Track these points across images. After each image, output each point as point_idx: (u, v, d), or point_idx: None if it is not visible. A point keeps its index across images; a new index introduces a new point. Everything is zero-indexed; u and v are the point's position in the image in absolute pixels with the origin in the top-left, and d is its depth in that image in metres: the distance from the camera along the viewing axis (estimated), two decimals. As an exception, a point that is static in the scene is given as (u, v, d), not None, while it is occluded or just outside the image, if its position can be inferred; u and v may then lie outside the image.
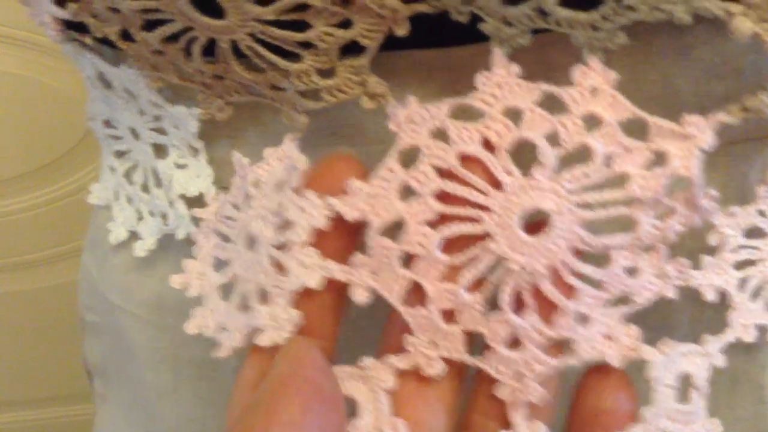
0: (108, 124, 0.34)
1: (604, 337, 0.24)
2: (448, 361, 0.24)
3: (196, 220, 0.30)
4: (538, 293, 0.23)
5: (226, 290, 0.27)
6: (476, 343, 0.25)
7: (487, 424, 0.24)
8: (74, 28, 0.29)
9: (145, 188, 0.33)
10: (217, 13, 0.24)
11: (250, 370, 0.24)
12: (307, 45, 0.24)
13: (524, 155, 0.23)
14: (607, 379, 0.24)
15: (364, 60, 0.24)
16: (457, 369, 0.24)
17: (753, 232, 0.28)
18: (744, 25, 0.22)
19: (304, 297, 0.24)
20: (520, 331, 0.23)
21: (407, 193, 0.24)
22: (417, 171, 0.23)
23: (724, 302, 0.27)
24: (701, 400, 0.26)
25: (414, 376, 0.24)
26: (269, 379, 0.22)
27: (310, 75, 0.25)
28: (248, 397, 0.23)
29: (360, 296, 0.24)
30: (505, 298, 0.23)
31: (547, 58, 0.25)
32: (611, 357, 0.24)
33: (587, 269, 0.23)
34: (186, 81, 0.28)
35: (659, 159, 0.23)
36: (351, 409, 0.25)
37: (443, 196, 0.23)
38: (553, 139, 0.23)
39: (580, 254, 0.23)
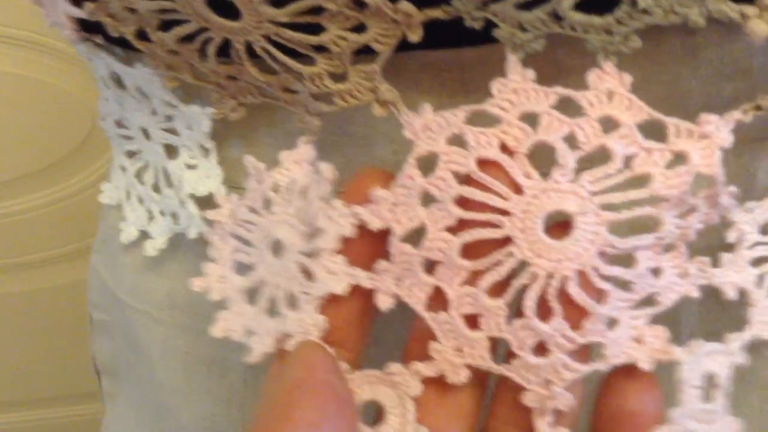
0: (119, 124, 0.34)
1: (633, 340, 0.24)
2: (471, 368, 0.24)
3: (207, 220, 0.30)
4: (564, 298, 0.23)
5: (250, 294, 0.28)
6: (497, 349, 0.25)
7: (508, 431, 0.24)
8: (87, 28, 0.29)
9: (156, 188, 0.33)
10: (232, 14, 0.24)
11: (276, 375, 0.25)
12: (320, 48, 0.24)
13: (541, 160, 0.23)
14: (632, 380, 0.23)
15: (376, 66, 0.25)
16: (479, 376, 0.24)
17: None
18: (759, 27, 0.22)
19: (331, 304, 0.25)
20: (546, 338, 0.23)
21: (429, 199, 0.24)
22: (436, 177, 0.24)
23: (723, 297, 0.27)
24: (723, 399, 0.26)
25: (436, 382, 0.24)
26: (284, 382, 0.22)
27: (323, 78, 0.25)
28: (267, 398, 0.23)
29: (384, 303, 0.24)
30: (530, 304, 0.23)
31: (557, 60, 0.25)
32: (642, 361, 0.24)
33: (616, 271, 0.23)
34: (201, 81, 0.28)
35: (679, 159, 0.23)
36: (371, 412, 0.25)
37: (463, 202, 0.23)
38: (571, 141, 0.23)
39: (605, 257, 0.23)
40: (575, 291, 0.23)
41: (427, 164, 0.24)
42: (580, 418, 0.24)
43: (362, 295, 0.25)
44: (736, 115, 0.23)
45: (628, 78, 0.23)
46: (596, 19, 0.22)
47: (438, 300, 0.24)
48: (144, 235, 0.35)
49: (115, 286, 0.38)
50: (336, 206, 0.25)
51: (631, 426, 0.23)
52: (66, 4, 0.28)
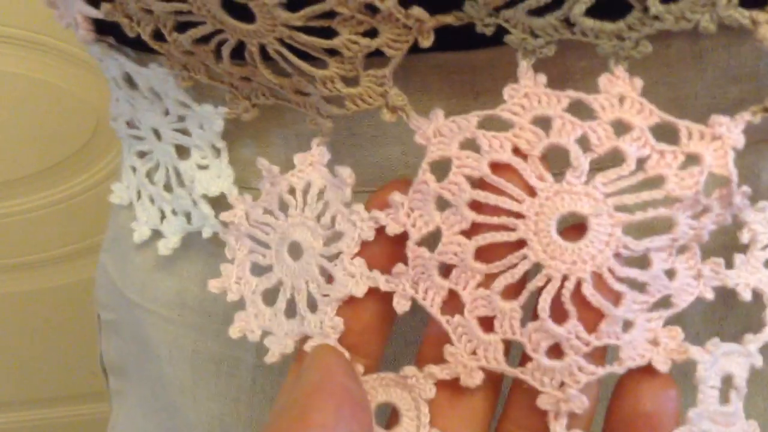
0: (130, 124, 0.34)
1: (648, 341, 0.24)
2: (485, 371, 0.24)
3: (221, 220, 0.30)
4: (579, 300, 0.23)
5: (266, 295, 0.28)
6: (510, 352, 0.25)
7: None
8: (100, 29, 0.30)
9: (168, 188, 0.34)
10: (247, 17, 0.24)
11: (296, 376, 0.25)
12: (332, 52, 0.25)
13: (554, 162, 0.24)
14: (647, 381, 0.23)
15: (386, 70, 0.25)
16: (492, 379, 0.25)
17: None
18: None
19: (349, 306, 0.25)
20: (561, 340, 0.23)
21: (444, 203, 0.24)
22: (450, 182, 0.24)
23: (727, 298, 0.27)
24: (740, 401, 0.25)
25: (449, 385, 0.25)
26: (301, 384, 0.23)
27: (335, 82, 0.25)
28: (284, 401, 0.23)
29: (401, 306, 0.25)
30: (545, 306, 0.23)
31: (565, 63, 0.26)
32: (658, 362, 0.24)
33: (632, 273, 0.23)
34: (215, 81, 0.28)
35: (691, 161, 0.23)
36: (385, 414, 0.25)
37: (477, 205, 0.24)
38: (584, 144, 0.23)
39: (620, 258, 0.23)
40: (590, 293, 0.23)
41: (441, 168, 0.24)
42: (595, 419, 0.25)
43: (380, 299, 0.25)
44: (746, 116, 0.23)
45: (639, 82, 0.23)
46: (608, 25, 0.23)
47: (453, 303, 0.24)
48: (156, 235, 0.35)
49: (124, 286, 0.38)
50: (357, 210, 0.25)
51: (646, 428, 0.23)
52: (82, 5, 0.28)
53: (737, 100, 0.27)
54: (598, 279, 0.23)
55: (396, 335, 0.28)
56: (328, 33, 0.24)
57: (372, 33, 0.24)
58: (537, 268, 0.23)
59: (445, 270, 0.24)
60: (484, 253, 0.24)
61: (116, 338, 0.42)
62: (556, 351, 0.24)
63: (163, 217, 0.34)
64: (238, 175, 0.31)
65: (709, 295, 0.24)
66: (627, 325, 0.24)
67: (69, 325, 1.04)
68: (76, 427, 1.13)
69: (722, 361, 0.25)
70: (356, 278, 0.25)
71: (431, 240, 0.24)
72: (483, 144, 0.23)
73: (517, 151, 0.23)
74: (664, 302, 0.24)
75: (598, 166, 0.23)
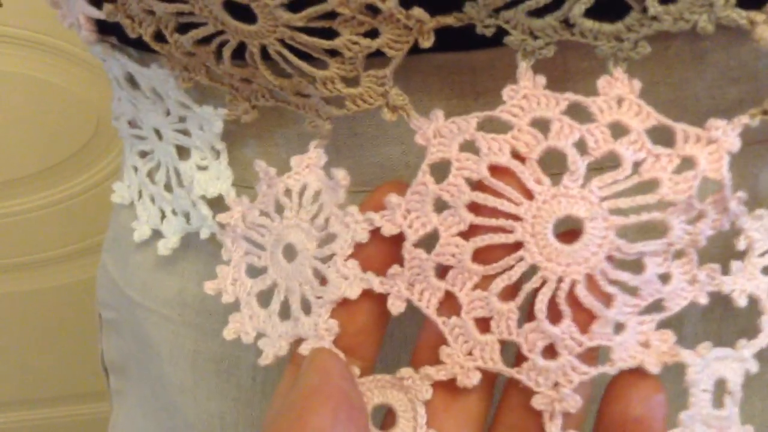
0: (132, 124, 0.35)
1: (640, 344, 0.24)
2: (481, 371, 0.24)
3: (218, 222, 0.30)
4: (573, 301, 0.23)
5: (261, 297, 0.28)
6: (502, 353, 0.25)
7: None
8: (103, 29, 0.30)
9: (168, 188, 0.34)
10: (248, 17, 0.24)
11: (290, 380, 0.25)
12: (333, 53, 0.25)
13: (551, 162, 0.24)
14: (636, 386, 0.23)
15: (387, 71, 0.25)
16: (486, 381, 0.25)
17: None
18: (767, 33, 0.22)
19: (344, 308, 0.25)
20: (556, 340, 0.23)
21: (441, 205, 0.24)
22: (449, 184, 0.24)
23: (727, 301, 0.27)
24: (735, 406, 0.26)
25: (444, 387, 0.25)
26: (299, 387, 0.23)
27: (335, 82, 0.25)
28: (280, 404, 0.23)
29: (396, 307, 0.25)
30: (541, 307, 0.23)
31: (566, 63, 0.26)
32: (649, 364, 0.24)
33: (624, 276, 0.23)
34: (215, 82, 0.28)
35: (687, 165, 0.23)
36: (380, 416, 0.26)
37: (475, 207, 0.24)
38: (581, 147, 0.23)
39: (613, 261, 0.23)
40: (583, 294, 0.23)
41: (441, 170, 0.24)
42: (586, 421, 0.25)
43: (375, 301, 0.25)
44: (743, 119, 0.24)
45: (637, 84, 0.23)
46: (607, 26, 0.23)
47: (449, 304, 0.24)
48: (156, 235, 0.35)
49: (125, 285, 0.38)
50: (350, 212, 0.25)
51: None
52: (85, 5, 0.28)
53: (737, 100, 0.27)
54: (590, 281, 0.23)
55: (394, 337, 0.28)
56: (329, 34, 0.24)
57: (373, 33, 0.24)
58: (532, 269, 0.24)
59: (441, 271, 0.24)
60: (480, 255, 0.24)
61: (117, 337, 0.42)
62: (550, 351, 0.24)
63: (163, 216, 0.35)
64: (239, 175, 0.31)
65: (704, 300, 0.25)
66: (619, 327, 0.24)
67: (70, 325, 1.04)
68: (76, 427, 1.13)
69: (714, 365, 0.25)
70: (350, 280, 0.25)
71: (426, 242, 0.25)
72: (482, 146, 0.24)
73: (515, 153, 0.23)
74: (657, 306, 0.24)
75: (597, 167, 0.24)
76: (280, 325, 0.27)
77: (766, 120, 0.24)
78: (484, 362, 0.24)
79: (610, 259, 0.23)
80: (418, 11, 0.23)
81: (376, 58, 0.25)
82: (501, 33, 0.24)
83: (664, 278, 0.24)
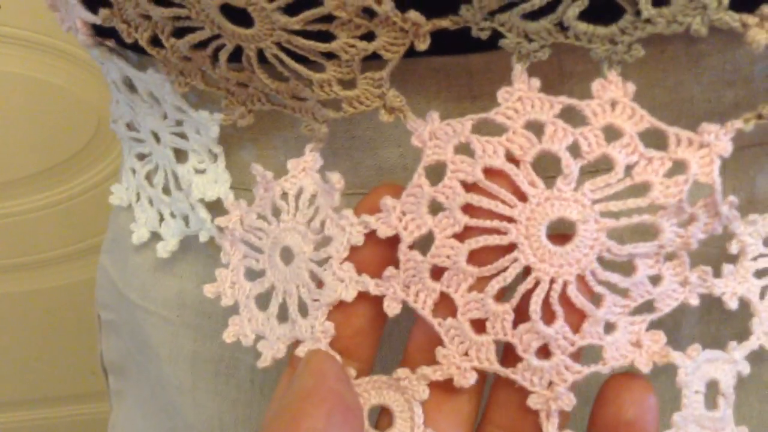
0: (131, 126, 0.35)
1: (631, 344, 0.24)
2: (476, 371, 0.25)
3: (215, 225, 0.30)
4: (565, 302, 0.24)
5: (259, 300, 0.28)
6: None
7: None
8: (101, 33, 0.30)
9: (167, 190, 0.34)
10: (245, 21, 0.24)
11: (288, 381, 0.25)
12: (330, 56, 0.25)
13: (545, 164, 0.24)
14: (628, 390, 0.24)
15: (384, 73, 0.25)
16: (477, 382, 0.25)
17: None
18: (760, 36, 0.22)
19: (340, 311, 0.25)
20: (550, 341, 0.24)
21: (436, 207, 0.24)
22: (444, 186, 0.24)
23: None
24: (728, 408, 0.26)
25: (436, 387, 0.25)
26: (294, 389, 0.23)
27: (332, 85, 0.26)
28: (276, 406, 0.23)
29: (392, 309, 0.25)
30: (536, 308, 0.24)
31: (561, 67, 0.26)
32: (640, 363, 0.24)
33: (614, 278, 0.24)
34: (211, 87, 0.28)
35: (678, 168, 0.23)
36: (374, 416, 0.26)
37: (470, 209, 0.24)
38: (575, 150, 0.23)
39: (604, 262, 0.24)
40: (574, 294, 0.23)
41: (436, 172, 0.24)
42: (580, 424, 0.25)
43: (371, 303, 0.25)
44: (737, 124, 0.24)
45: (631, 87, 0.23)
46: (601, 29, 0.23)
47: (444, 305, 0.25)
48: (155, 236, 0.35)
49: (125, 286, 0.39)
50: (345, 215, 0.25)
51: None
52: (81, 10, 0.28)
53: (732, 104, 0.27)
54: (581, 281, 0.24)
55: (393, 338, 0.28)
56: (326, 37, 0.24)
57: (369, 36, 0.24)
58: (527, 271, 0.24)
59: (436, 273, 0.25)
60: (475, 257, 0.24)
61: (116, 338, 0.42)
62: (543, 351, 0.24)
63: (161, 219, 0.35)
64: (237, 177, 0.31)
65: (694, 302, 0.25)
66: (610, 327, 0.24)
67: (69, 326, 1.04)
68: (76, 427, 1.13)
69: (705, 366, 0.26)
70: (345, 283, 0.25)
71: (421, 244, 0.25)
72: (477, 149, 0.24)
73: (510, 156, 0.24)
74: (649, 306, 0.25)
75: (591, 170, 0.24)
76: (278, 328, 0.27)
77: (760, 124, 0.24)
78: (480, 362, 0.24)
79: (600, 260, 0.24)
80: (414, 14, 0.23)
81: (373, 61, 0.25)
82: (496, 36, 0.24)
83: (655, 280, 0.24)
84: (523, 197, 0.23)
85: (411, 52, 0.24)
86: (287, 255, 0.27)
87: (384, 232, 0.25)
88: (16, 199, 0.96)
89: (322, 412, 0.22)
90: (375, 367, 0.26)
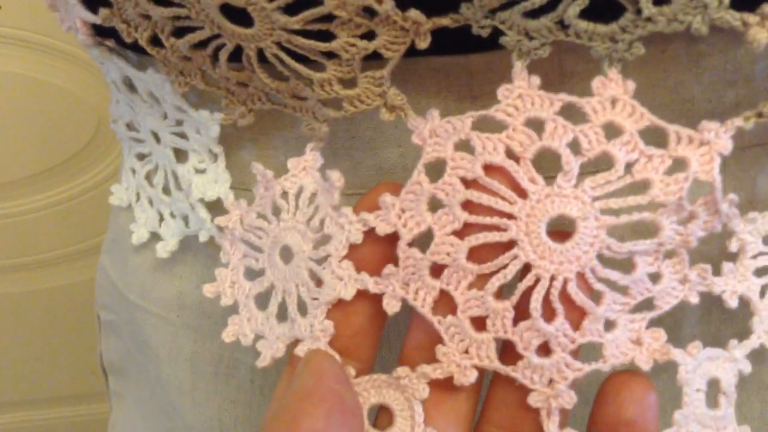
0: (130, 126, 0.35)
1: (631, 341, 0.24)
2: (476, 369, 0.25)
3: (215, 224, 0.30)
4: (565, 299, 0.23)
5: (259, 299, 0.28)
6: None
7: None
8: (101, 32, 0.30)
9: (167, 190, 0.34)
10: (245, 21, 0.24)
11: (288, 381, 0.25)
12: (330, 55, 0.25)
13: (545, 163, 0.24)
14: (628, 389, 0.24)
15: (385, 71, 0.25)
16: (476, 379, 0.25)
17: None
18: (760, 34, 0.22)
19: (339, 309, 0.25)
20: (550, 338, 0.24)
21: (436, 204, 0.24)
22: (444, 183, 0.24)
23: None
24: (730, 407, 0.26)
25: (434, 385, 0.25)
26: (293, 390, 0.23)
27: (332, 84, 0.26)
28: (276, 406, 0.23)
29: (391, 307, 0.25)
30: (536, 305, 0.24)
31: (561, 65, 0.26)
32: (640, 361, 0.24)
33: (613, 275, 0.24)
34: (211, 87, 0.28)
35: (679, 165, 0.23)
36: (373, 415, 0.26)
37: (469, 206, 0.24)
38: (575, 147, 0.23)
39: (604, 260, 0.24)
40: (574, 292, 0.23)
41: (436, 170, 0.24)
42: (580, 424, 0.25)
43: (370, 302, 0.25)
44: (737, 122, 0.24)
45: (631, 85, 0.23)
46: (601, 27, 0.23)
47: (444, 303, 0.25)
48: (155, 237, 0.35)
49: (125, 287, 0.39)
50: (345, 213, 0.25)
51: None
52: (81, 10, 0.28)
53: (733, 103, 0.27)
54: (581, 279, 0.24)
55: (391, 338, 0.28)
56: (326, 36, 0.24)
57: (369, 35, 0.24)
58: (527, 268, 0.24)
59: (435, 270, 0.25)
60: (475, 254, 0.24)
61: (116, 339, 0.42)
62: (544, 349, 0.24)
63: (161, 219, 0.35)
64: (238, 177, 0.31)
65: (694, 299, 0.25)
66: (610, 324, 0.24)
67: (69, 326, 1.04)
68: (76, 428, 1.13)
69: (706, 364, 0.26)
70: (344, 281, 0.25)
71: (421, 242, 0.25)
72: (477, 146, 0.24)
73: (510, 153, 0.24)
74: (649, 304, 0.25)
75: (592, 169, 0.24)
76: (277, 327, 0.27)
77: (761, 123, 0.24)
78: (480, 360, 0.24)
79: (600, 257, 0.24)
80: (414, 13, 0.23)
81: (373, 60, 0.25)
82: (497, 34, 0.24)
83: (655, 277, 0.24)
84: (523, 194, 0.23)
85: (411, 52, 0.24)
86: (287, 254, 0.27)
87: (383, 229, 0.25)
88: (16, 200, 0.96)
89: (321, 412, 0.22)
90: (375, 366, 0.26)
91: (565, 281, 0.23)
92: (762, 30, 0.22)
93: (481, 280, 0.24)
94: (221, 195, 0.31)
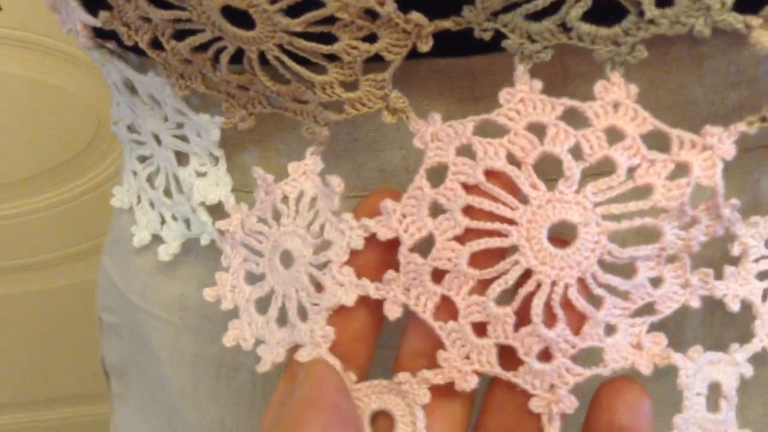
0: (131, 128, 0.35)
1: (632, 346, 0.24)
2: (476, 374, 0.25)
3: (217, 228, 0.30)
4: (566, 304, 0.23)
5: (259, 304, 0.28)
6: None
7: None
8: (101, 35, 0.30)
9: (168, 193, 0.34)
10: (247, 23, 0.24)
11: (285, 387, 0.25)
12: (332, 57, 0.25)
13: (546, 167, 0.24)
14: (622, 396, 0.23)
15: (386, 74, 0.25)
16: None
17: None
18: (763, 37, 0.22)
19: (339, 315, 0.25)
20: (551, 343, 0.24)
21: (437, 209, 0.24)
22: (445, 188, 0.24)
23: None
24: (731, 410, 0.26)
25: (431, 391, 0.25)
26: (292, 400, 0.23)
27: (334, 87, 0.25)
28: (274, 415, 0.24)
29: (392, 312, 0.25)
30: (537, 311, 0.23)
31: (564, 68, 0.26)
32: (641, 365, 0.24)
33: (614, 281, 0.24)
34: (212, 90, 0.28)
35: (681, 170, 0.23)
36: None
37: (471, 211, 0.24)
38: (577, 152, 0.23)
39: (604, 265, 0.24)
40: (575, 297, 0.23)
41: (437, 174, 0.24)
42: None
43: (370, 307, 0.25)
44: (740, 126, 0.24)
45: (634, 89, 0.23)
46: (604, 30, 0.23)
47: (445, 309, 0.25)
48: (156, 239, 0.35)
49: (126, 289, 0.38)
50: (345, 219, 0.25)
51: None
52: (81, 12, 0.28)
53: (736, 106, 0.27)
54: (581, 284, 0.24)
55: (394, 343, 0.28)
56: (328, 38, 0.24)
57: (371, 38, 0.24)
58: (528, 273, 0.24)
59: (436, 276, 0.25)
60: (476, 259, 0.24)
61: (117, 341, 0.42)
62: (544, 355, 0.24)
63: (163, 222, 0.35)
64: (239, 180, 0.31)
65: (695, 304, 0.25)
66: (610, 329, 0.24)
67: (70, 327, 1.04)
68: (77, 428, 1.13)
69: (707, 368, 0.26)
70: (345, 287, 0.25)
71: (421, 247, 0.25)
72: (478, 150, 0.24)
73: (511, 158, 0.24)
74: (650, 309, 0.25)
75: (594, 172, 0.24)
76: (277, 332, 0.27)
77: (764, 127, 0.24)
78: (482, 366, 0.24)
79: (601, 262, 0.23)
80: (416, 15, 0.23)
81: (375, 62, 0.25)
82: (499, 37, 0.24)
83: (656, 282, 0.24)
84: (524, 199, 0.23)
85: (413, 54, 0.24)
86: (287, 259, 0.27)
87: (384, 234, 0.25)
88: (17, 201, 0.96)
89: (319, 423, 0.22)
90: (377, 372, 0.26)
91: (566, 287, 0.23)
92: (765, 32, 0.22)
93: (482, 286, 0.24)
94: (222, 198, 0.31)
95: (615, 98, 0.23)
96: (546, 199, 0.23)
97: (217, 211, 0.32)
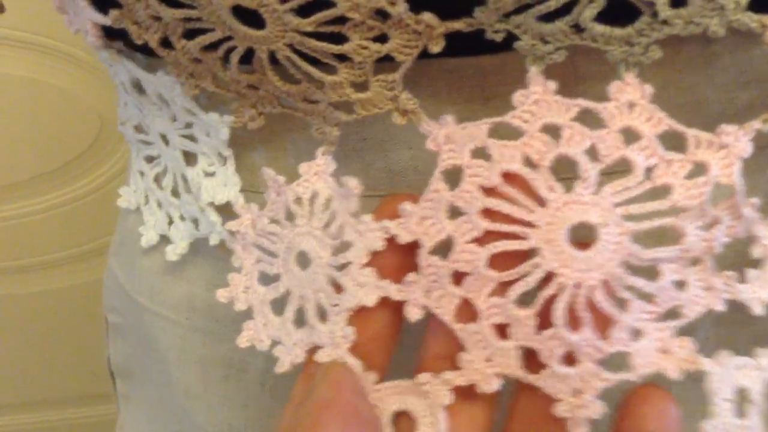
0: (139, 129, 0.34)
1: (659, 350, 0.24)
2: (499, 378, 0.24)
3: (227, 229, 0.30)
4: (591, 308, 0.23)
5: (273, 304, 0.28)
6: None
7: None
8: (110, 34, 0.30)
9: (176, 193, 0.34)
10: (257, 23, 0.24)
11: (303, 388, 0.25)
12: (342, 58, 0.25)
13: (561, 166, 0.24)
14: (651, 402, 0.23)
15: (397, 75, 0.25)
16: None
17: None
18: None
19: (360, 316, 0.25)
20: (576, 347, 0.23)
21: (455, 212, 0.24)
22: (461, 190, 0.24)
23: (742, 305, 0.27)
24: (757, 416, 0.25)
25: (453, 394, 0.25)
26: (310, 402, 0.23)
27: (344, 87, 0.25)
28: (292, 416, 0.23)
29: (413, 314, 0.25)
30: (559, 314, 0.23)
31: (575, 68, 0.26)
32: (669, 370, 0.24)
33: (639, 283, 0.23)
34: (222, 89, 0.28)
35: (699, 170, 0.23)
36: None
37: (489, 214, 0.24)
38: (592, 153, 0.23)
39: (629, 267, 0.23)
40: (600, 299, 0.23)
41: (450, 177, 0.24)
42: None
43: (390, 309, 0.25)
44: (755, 124, 0.24)
45: (649, 89, 0.23)
46: (617, 31, 0.23)
47: (466, 311, 0.24)
48: (164, 239, 0.35)
49: (132, 289, 0.38)
50: (365, 220, 0.25)
51: None
52: (91, 11, 0.28)
53: (747, 105, 0.27)
54: (606, 287, 0.23)
55: (403, 346, 0.28)
56: (339, 38, 0.24)
57: (382, 38, 0.24)
58: (549, 276, 0.24)
59: (456, 278, 0.24)
60: (496, 261, 0.24)
61: (124, 342, 0.42)
62: (568, 358, 0.24)
63: (170, 222, 0.35)
64: (248, 180, 0.31)
65: (720, 307, 0.25)
66: (637, 333, 0.24)
67: (73, 328, 1.04)
68: (81, 429, 1.13)
69: (735, 374, 0.25)
70: (366, 288, 0.25)
71: (440, 250, 0.24)
72: (494, 153, 0.24)
73: (527, 160, 0.23)
74: (674, 313, 0.24)
75: (610, 171, 0.24)
76: (295, 333, 0.27)
77: None
78: (503, 369, 0.24)
79: (625, 265, 0.23)
80: (428, 16, 0.23)
81: (386, 63, 0.25)
82: (511, 38, 0.23)
83: (680, 285, 0.24)
84: (541, 202, 0.23)
85: (423, 54, 0.24)
86: (303, 260, 0.27)
87: (405, 237, 0.25)
88: (20, 202, 0.96)
89: (338, 425, 0.22)
90: (393, 372, 0.26)
91: (590, 289, 0.23)
92: (780, 32, 0.22)
93: (502, 288, 0.24)
94: (231, 198, 0.31)
95: (630, 99, 0.23)
96: (563, 201, 0.23)
97: (225, 211, 0.31)
